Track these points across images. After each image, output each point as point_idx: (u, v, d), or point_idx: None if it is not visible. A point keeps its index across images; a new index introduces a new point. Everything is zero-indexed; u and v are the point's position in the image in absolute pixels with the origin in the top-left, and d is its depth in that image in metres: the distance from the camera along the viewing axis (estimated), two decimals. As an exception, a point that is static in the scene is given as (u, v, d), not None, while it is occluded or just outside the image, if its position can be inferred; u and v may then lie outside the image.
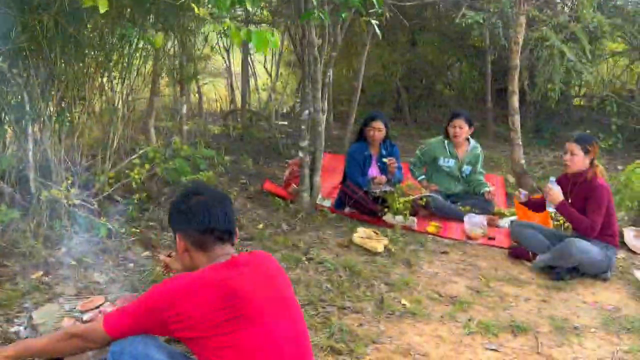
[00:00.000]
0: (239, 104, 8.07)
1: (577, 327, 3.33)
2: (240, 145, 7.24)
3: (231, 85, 8.11)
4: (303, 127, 4.65)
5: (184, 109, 5.91)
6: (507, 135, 9.28)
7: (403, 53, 9.45)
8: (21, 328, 2.85)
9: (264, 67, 8.64)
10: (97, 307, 2.85)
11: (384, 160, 5.08)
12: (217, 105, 9.20)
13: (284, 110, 9.29)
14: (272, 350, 1.82)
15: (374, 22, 3.15)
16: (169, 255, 2.77)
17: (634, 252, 4.61)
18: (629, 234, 4.75)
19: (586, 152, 4.09)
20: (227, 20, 2.07)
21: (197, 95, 8.10)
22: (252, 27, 2.71)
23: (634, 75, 10.23)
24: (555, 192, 4.12)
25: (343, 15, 3.46)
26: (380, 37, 3.72)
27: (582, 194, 4.09)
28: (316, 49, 4.29)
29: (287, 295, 2.00)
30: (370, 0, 3.11)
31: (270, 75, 8.32)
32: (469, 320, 3.32)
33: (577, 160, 4.10)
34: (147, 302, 1.86)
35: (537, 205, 4.56)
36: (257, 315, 1.83)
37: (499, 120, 9.80)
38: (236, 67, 8.32)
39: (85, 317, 2.76)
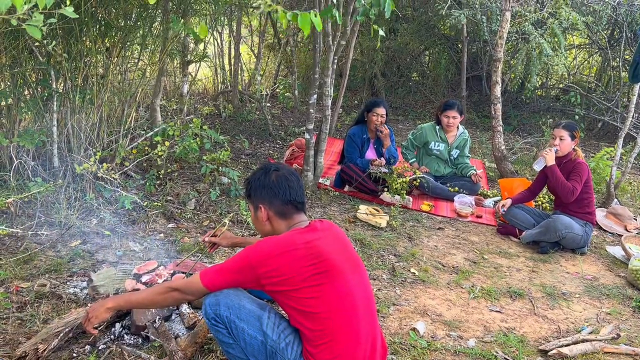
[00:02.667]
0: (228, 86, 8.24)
1: (565, 293, 3.81)
2: (232, 126, 7.46)
3: (223, 67, 8.24)
4: (311, 110, 4.92)
5: (185, 89, 6.08)
6: (479, 122, 9.89)
7: (382, 40, 9.77)
8: (77, 290, 3.10)
9: (250, 49, 8.81)
10: (152, 270, 3.12)
11: (377, 128, 5.34)
12: (200, 85, 9.33)
13: (264, 93, 9.51)
14: (348, 299, 2.15)
15: (381, 32, 3.50)
16: (214, 235, 3.00)
17: (604, 230, 5.17)
18: (599, 214, 5.29)
19: (572, 137, 4.57)
20: (274, 4, 2.34)
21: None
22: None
23: (594, 69, 10.93)
24: (553, 155, 4.58)
25: (358, 17, 3.79)
26: (384, 37, 4.02)
27: (566, 171, 4.57)
28: (330, 38, 4.58)
29: (356, 256, 2.34)
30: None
31: (257, 58, 8.49)
32: (472, 286, 3.75)
33: (566, 144, 4.57)
34: (244, 261, 2.14)
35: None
36: (337, 271, 2.15)
37: (469, 107, 10.35)
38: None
39: (143, 279, 3.02)
